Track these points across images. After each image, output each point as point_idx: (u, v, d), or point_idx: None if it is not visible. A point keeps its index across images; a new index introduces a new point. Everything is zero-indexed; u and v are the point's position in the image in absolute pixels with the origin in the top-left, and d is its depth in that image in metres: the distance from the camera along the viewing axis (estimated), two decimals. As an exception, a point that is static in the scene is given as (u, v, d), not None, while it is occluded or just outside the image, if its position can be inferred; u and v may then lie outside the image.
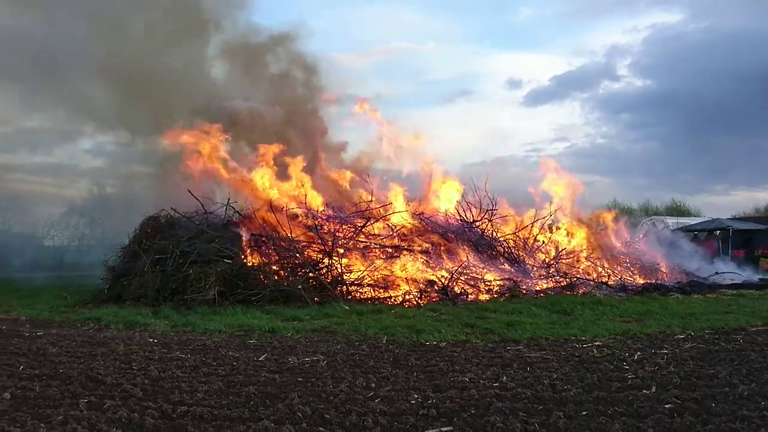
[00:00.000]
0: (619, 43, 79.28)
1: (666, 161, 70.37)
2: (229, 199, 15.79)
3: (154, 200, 16.25)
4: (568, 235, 19.35)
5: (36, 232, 30.76)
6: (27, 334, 9.64)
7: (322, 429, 4.97)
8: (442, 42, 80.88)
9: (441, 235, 16.81)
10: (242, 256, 14.18)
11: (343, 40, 74.78)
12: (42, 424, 5.04)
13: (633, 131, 75.81)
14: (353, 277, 14.28)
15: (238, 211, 15.76)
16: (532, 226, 18.68)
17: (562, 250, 18.22)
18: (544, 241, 18.46)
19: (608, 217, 21.05)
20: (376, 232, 16.42)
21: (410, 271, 14.81)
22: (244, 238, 14.56)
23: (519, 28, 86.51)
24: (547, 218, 19.06)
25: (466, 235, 17.30)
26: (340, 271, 14.25)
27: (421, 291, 13.76)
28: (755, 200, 61.95)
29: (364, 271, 14.38)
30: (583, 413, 5.30)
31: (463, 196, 18.62)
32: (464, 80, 79.91)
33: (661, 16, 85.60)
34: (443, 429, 5.00)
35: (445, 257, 16.04)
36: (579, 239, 19.23)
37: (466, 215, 18.17)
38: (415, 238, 16.49)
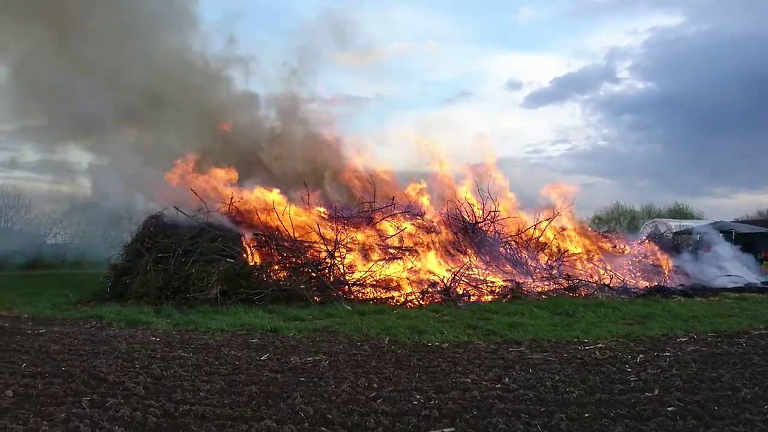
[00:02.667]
0: (619, 46, 79.23)
1: (668, 163, 70.29)
2: (232, 198, 15.78)
3: (157, 198, 16.21)
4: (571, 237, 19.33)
5: (39, 229, 30.81)
6: (29, 332, 9.65)
7: (324, 429, 4.97)
8: (442, 42, 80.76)
9: (444, 236, 16.84)
10: (244, 256, 14.19)
11: (343, 40, 74.77)
12: (44, 422, 5.04)
13: (634, 133, 75.73)
14: (356, 277, 14.28)
15: (241, 211, 15.75)
16: (534, 228, 18.67)
17: (565, 251, 18.20)
18: (546, 243, 18.43)
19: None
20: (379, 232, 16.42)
21: (412, 271, 14.81)
22: (246, 238, 14.57)
23: (519, 28, 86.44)
24: (550, 220, 19.02)
25: (469, 236, 17.30)
26: (342, 271, 14.25)
27: (423, 292, 13.75)
28: (757, 203, 61.94)
29: (366, 271, 14.37)
30: (586, 415, 5.29)
31: (465, 198, 18.62)
32: (465, 81, 79.79)
33: (661, 18, 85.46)
34: (445, 430, 5.00)
35: (447, 258, 16.04)
36: (582, 241, 19.23)
37: (468, 216, 18.16)
38: (417, 239, 16.51)
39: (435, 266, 15.29)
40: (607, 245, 20.03)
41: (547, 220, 18.93)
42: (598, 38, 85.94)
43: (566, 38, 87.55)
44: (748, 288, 16.98)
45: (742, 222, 33.43)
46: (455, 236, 17.03)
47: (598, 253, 18.81)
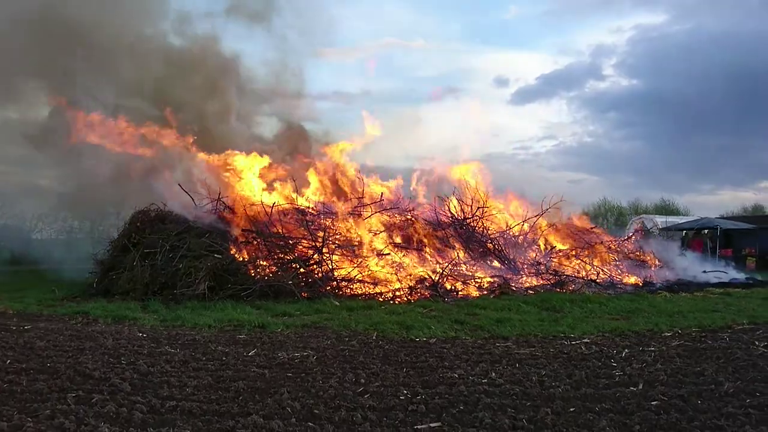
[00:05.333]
0: (604, 43, 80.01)
1: (653, 160, 71.05)
2: (219, 194, 15.71)
3: (145, 194, 16.08)
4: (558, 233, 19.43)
5: (24, 224, 30.48)
6: (14, 328, 9.56)
7: (311, 424, 4.97)
8: (430, 39, 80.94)
9: (432, 232, 16.87)
10: (232, 251, 14.14)
11: (333, 35, 74.55)
12: (29, 419, 5.00)
13: (620, 130, 76.50)
14: (344, 273, 14.28)
15: (228, 206, 15.69)
16: (523, 224, 18.75)
17: (553, 248, 18.30)
18: (534, 239, 18.52)
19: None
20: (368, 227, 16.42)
21: (401, 267, 14.83)
22: (234, 234, 14.51)
23: (507, 26, 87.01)
24: (538, 217, 19.10)
25: (458, 232, 17.35)
26: (330, 266, 14.24)
27: (411, 287, 13.78)
28: (741, 200, 62.64)
29: (354, 267, 14.38)
30: (571, 410, 5.34)
31: (453, 193, 18.69)
32: (452, 77, 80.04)
33: (645, 16, 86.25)
34: (432, 425, 5.02)
35: (435, 254, 16.08)
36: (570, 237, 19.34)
37: (457, 212, 18.22)
38: (407, 235, 16.53)
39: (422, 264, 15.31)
40: (595, 241, 20.14)
41: (535, 216, 19.01)
42: (584, 36, 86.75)
43: (552, 36, 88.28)
44: (733, 283, 17.16)
45: (727, 218, 33.81)
46: (443, 232, 17.06)
47: (585, 249, 18.90)
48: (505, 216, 19.21)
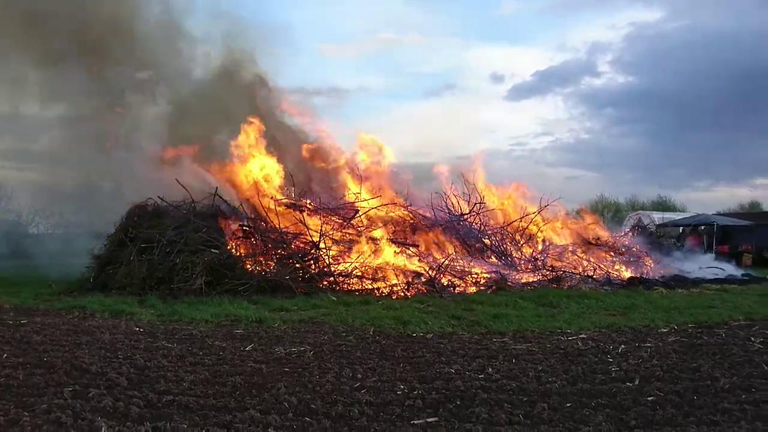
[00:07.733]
0: (600, 40, 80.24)
1: (650, 157, 71.28)
2: (216, 189, 15.67)
3: (141, 188, 16.04)
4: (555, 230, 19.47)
5: (21, 219, 30.44)
6: (11, 322, 9.54)
7: (308, 419, 4.98)
8: (426, 34, 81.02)
9: (429, 228, 16.88)
10: (229, 246, 14.12)
11: (328, 31, 74.60)
12: (25, 413, 4.99)
13: (617, 126, 76.74)
14: (341, 268, 14.27)
15: (226, 201, 15.65)
16: (520, 221, 18.76)
17: (549, 244, 18.32)
18: (531, 236, 18.54)
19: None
20: (365, 223, 16.43)
21: (398, 262, 14.84)
22: (231, 228, 14.49)
23: (502, 22, 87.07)
24: (536, 213, 19.12)
25: (455, 228, 17.36)
26: (327, 262, 14.24)
27: (408, 283, 13.79)
28: (737, 196, 62.97)
29: (352, 263, 14.37)
30: (567, 405, 5.35)
31: (451, 189, 18.71)
32: (448, 73, 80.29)
33: (641, 13, 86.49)
34: (429, 419, 5.03)
35: (433, 250, 16.09)
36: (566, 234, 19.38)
37: (454, 209, 18.24)
38: (404, 230, 16.54)
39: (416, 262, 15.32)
40: (591, 237, 20.19)
41: (532, 213, 19.03)
42: (580, 32, 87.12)
43: (548, 32, 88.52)
44: (729, 280, 17.19)
45: (723, 215, 33.90)
46: (441, 228, 17.07)
47: (582, 245, 18.94)
48: (503, 212, 19.22)
